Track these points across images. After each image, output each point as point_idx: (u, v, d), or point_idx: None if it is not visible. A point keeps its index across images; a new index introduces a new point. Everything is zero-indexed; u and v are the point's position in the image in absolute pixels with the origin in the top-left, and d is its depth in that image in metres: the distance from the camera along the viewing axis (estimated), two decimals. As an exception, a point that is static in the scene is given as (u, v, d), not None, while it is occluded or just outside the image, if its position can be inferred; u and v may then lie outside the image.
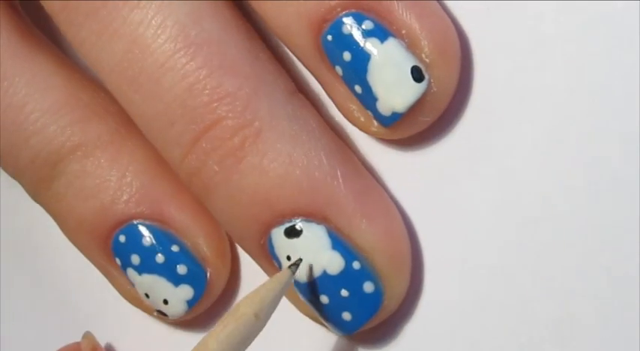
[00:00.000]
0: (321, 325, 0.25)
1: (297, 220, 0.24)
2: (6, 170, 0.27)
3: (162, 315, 0.27)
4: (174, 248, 0.26)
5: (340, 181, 0.24)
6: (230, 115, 0.24)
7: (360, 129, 0.24)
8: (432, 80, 0.23)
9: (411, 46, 0.23)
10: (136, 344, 0.29)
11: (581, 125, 0.23)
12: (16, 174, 0.27)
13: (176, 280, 0.26)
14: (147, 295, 0.26)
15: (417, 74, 0.23)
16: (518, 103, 0.23)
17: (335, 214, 0.24)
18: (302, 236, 0.24)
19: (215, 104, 0.24)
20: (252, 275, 0.27)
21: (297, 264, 0.24)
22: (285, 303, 0.26)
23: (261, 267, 0.25)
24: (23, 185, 0.27)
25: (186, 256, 0.26)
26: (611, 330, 0.23)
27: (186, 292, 0.26)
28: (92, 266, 0.27)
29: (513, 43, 0.23)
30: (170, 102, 0.24)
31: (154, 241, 0.26)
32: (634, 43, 0.22)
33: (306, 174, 0.24)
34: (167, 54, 0.24)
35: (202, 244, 0.26)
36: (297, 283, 0.24)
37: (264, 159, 0.24)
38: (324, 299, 0.24)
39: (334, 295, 0.24)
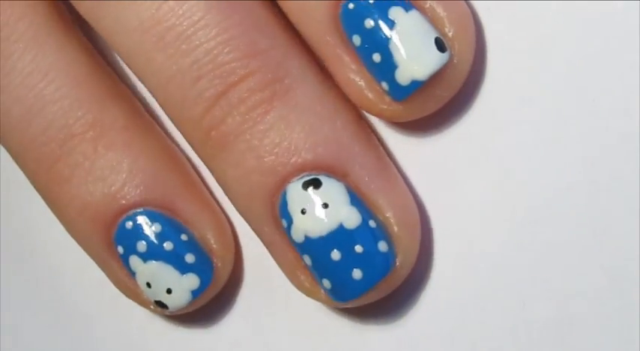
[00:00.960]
0: (316, 299, 0.25)
1: (319, 175, 0.24)
2: (10, 144, 0.27)
3: (160, 307, 0.26)
4: (184, 237, 0.26)
5: (363, 145, 0.24)
6: (263, 69, 0.24)
7: (367, 109, 0.24)
8: (453, 53, 0.23)
9: (434, 20, 0.23)
10: (134, 344, 0.29)
11: (581, 125, 0.23)
12: (20, 150, 0.26)
13: (183, 268, 0.26)
14: (148, 285, 0.26)
15: (440, 45, 0.23)
16: (518, 103, 0.23)
17: (356, 172, 0.24)
18: (322, 188, 0.24)
19: (248, 59, 0.24)
20: (251, 274, 0.27)
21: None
22: (285, 303, 0.26)
23: (264, 236, 0.25)
24: (24, 165, 0.27)
25: (194, 246, 0.26)
26: (611, 330, 0.23)
27: (191, 281, 0.26)
28: (91, 267, 0.27)
29: (513, 43, 0.23)
30: (200, 57, 0.24)
31: (163, 228, 0.26)
32: (634, 43, 0.22)
33: (333, 132, 0.24)
34: (200, 13, 0.24)
35: (210, 237, 0.26)
36: (308, 239, 0.24)
37: (291, 113, 0.24)
38: (336, 255, 0.24)
39: (348, 250, 0.24)
